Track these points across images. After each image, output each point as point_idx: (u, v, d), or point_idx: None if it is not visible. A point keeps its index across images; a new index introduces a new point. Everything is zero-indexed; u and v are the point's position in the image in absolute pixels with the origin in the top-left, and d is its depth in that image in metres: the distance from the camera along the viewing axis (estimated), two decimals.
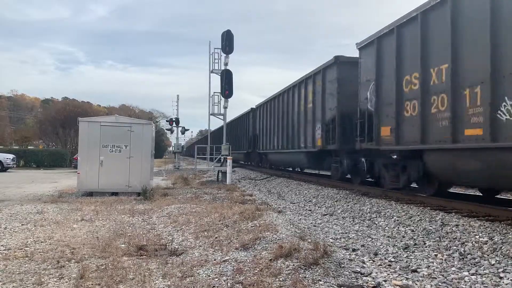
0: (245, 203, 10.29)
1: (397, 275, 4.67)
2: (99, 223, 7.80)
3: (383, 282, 4.40)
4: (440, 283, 4.43)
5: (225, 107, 18.57)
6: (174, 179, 19.08)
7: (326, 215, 9.00)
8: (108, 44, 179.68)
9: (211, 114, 19.20)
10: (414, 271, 4.84)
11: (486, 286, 4.37)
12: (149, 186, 12.54)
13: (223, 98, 18.40)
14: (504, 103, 6.20)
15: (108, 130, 12.60)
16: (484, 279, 4.57)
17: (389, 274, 4.69)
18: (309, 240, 5.60)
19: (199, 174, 23.49)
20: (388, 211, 8.22)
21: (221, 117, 19.18)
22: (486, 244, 5.58)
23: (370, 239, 6.55)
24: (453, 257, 5.34)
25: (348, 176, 12.65)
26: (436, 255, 5.45)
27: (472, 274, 4.71)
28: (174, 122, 35.29)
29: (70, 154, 36.46)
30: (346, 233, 6.98)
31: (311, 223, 7.91)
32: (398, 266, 4.99)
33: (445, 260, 5.26)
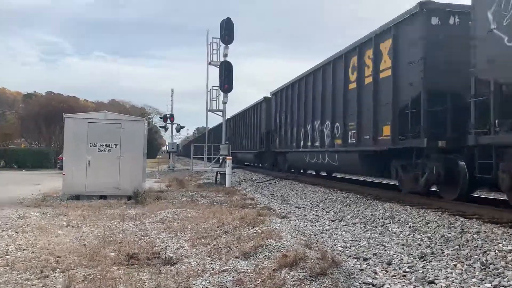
0: (246, 207, 10.33)
1: (412, 287, 4.67)
2: (87, 229, 7.84)
3: None
4: None
5: (225, 103, 18.63)
6: (169, 181, 19.16)
7: (334, 220, 9.04)
8: (96, 34, 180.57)
9: (209, 110, 19.26)
10: (431, 282, 4.84)
11: None
12: (141, 188, 12.68)
13: (222, 93, 18.48)
14: None
15: (96, 128, 12.70)
16: None
17: (403, 286, 4.69)
18: (316, 248, 5.63)
19: (195, 176, 23.62)
20: (402, 217, 8.26)
21: (220, 113, 19.27)
22: (510, 253, 5.58)
23: (383, 247, 6.57)
24: (474, 267, 5.34)
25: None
26: (455, 265, 5.46)
27: (495, 286, 4.70)
28: (168, 119, 35.42)
29: (55, 153, 36.54)
30: (356, 240, 7.01)
31: (318, 229, 7.96)
32: (413, 277, 4.99)
33: (465, 270, 5.27)
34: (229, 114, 35.43)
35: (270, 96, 21.25)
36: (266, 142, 22.39)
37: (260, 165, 26.24)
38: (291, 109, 17.57)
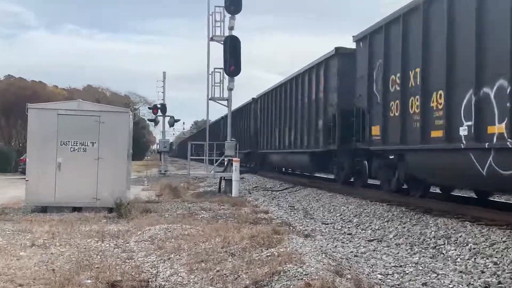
0: (259, 223, 10.52)
1: None
2: (56, 250, 7.92)
3: None
4: None
5: (230, 89, 18.65)
6: (160, 189, 19.39)
7: (372, 240, 9.07)
8: (68, 3, 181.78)
9: (211, 99, 19.23)
10: None
11: None
12: (125, 198, 12.78)
13: (227, 77, 18.57)
14: None
15: (69, 121, 12.87)
16: None
17: None
18: (349, 276, 5.66)
19: (194, 183, 23.88)
20: (460, 236, 8.32)
21: (225, 102, 19.28)
22: None
23: (435, 275, 6.60)
24: None
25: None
26: None
27: None
28: (159, 110, 35.70)
29: (16, 154, 36.95)
30: (401, 266, 7.06)
31: (351, 252, 8.04)
32: None
33: None
34: (237, 103, 35.78)
35: (257, 98, 28.47)
36: (254, 143, 27.82)
37: (247, 165, 32.35)
38: (270, 115, 25.18)
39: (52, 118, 12.78)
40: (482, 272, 6.60)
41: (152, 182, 24.85)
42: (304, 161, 19.83)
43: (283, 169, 27.43)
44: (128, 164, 13.75)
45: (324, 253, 6.91)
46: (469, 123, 9.45)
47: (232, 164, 17.43)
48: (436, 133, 10.50)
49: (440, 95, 10.37)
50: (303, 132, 19.68)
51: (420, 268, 6.94)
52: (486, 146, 8.89)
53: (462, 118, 9.67)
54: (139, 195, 16.97)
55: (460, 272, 6.71)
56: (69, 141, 12.84)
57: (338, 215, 12.23)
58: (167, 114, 35.60)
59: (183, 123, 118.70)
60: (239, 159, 17.59)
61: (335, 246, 8.43)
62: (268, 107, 26.33)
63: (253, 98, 30.26)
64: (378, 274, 6.56)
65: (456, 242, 8.05)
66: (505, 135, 8.43)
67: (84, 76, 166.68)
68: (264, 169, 28.38)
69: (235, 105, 39.36)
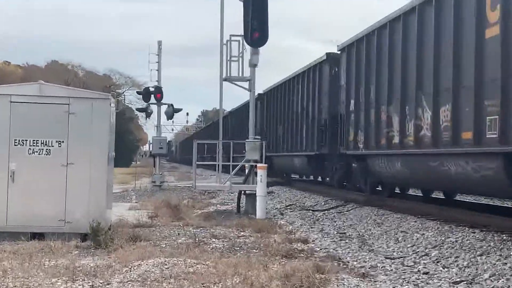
0: (294, 257, 10.52)
1: None
2: None
3: None
4: None
5: (254, 65, 18.66)
6: (154, 208, 19.41)
7: (459, 283, 9.01)
8: None
9: (226, 80, 19.22)
10: None
11: None
12: (104, 221, 12.82)
13: (249, 47, 18.57)
14: None
15: (26, 112, 12.99)
16: None
17: None
18: None
19: (202, 199, 23.92)
20: None
21: (246, 84, 19.19)
22: None
23: None
24: None
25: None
26: None
27: None
28: (152, 96, 35.19)
29: None
30: None
31: None
32: None
33: None
34: (262, 85, 37.84)
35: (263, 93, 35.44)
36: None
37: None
38: (275, 112, 32.99)
39: (3, 107, 12.89)
40: None
41: (142, 198, 24.84)
42: (302, 164, 28.52)
43: (284, 174, 34.75)
44: (109, 173, 13.77)
45: None
46: (398, 133, 17.34)
47: (256, 172, 17.53)
48: (383, 141, 18.43)
49: (383, 109, 18.58)
50: (302, 135, 28.27)
51: None
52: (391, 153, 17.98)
53: (396, 130, 17.44)
54: (124, 216, 17.01)
55: None
56: (26, 140, 12.90)
57: (409, 245, 12.23)
58: (163, 101, 35.21)
59: (187, 114, 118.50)
60: (266, 165, 17.62)
61: None
62: (278, 103, 33.16)
63: (259, 94, 33.86)
64: None
65: None
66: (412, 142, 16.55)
67: (47, 49, 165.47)
68: (272, 174, 30.68)
69: (264, 86, 39.92)
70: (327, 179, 27.87)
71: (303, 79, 28.78)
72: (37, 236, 12.58)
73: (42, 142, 12.96)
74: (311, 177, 33.70)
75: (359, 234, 14.18)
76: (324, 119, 25.07)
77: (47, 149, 12.97)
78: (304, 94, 28.43)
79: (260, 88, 37.21)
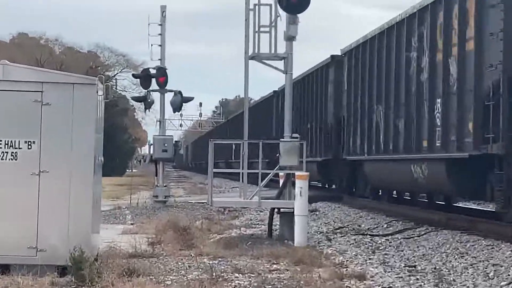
0: None
1: None
2: None
3: None
4: None
5: (291, 38, 17.36)
6: (156, 231, 18.32)
7: None
8: None
9: (253, 58, 18.03)
10: None
11: None
12: (90, 249, 12.02)
13: (283, 15, 17.28)
14: None
15: None
16: None
17: None
18: None
19: (220, 219, 22.93)
20: None
21: (280, 64, 17.71)
22: None
23: None
24: None
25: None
26: None
27: None
28: (153, 80, 31.81)
29: None
30: None
31: None
32: None
33: None
34: (299, 68, 37.11)
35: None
36: (334, 145, 29.68)
37: (324, 183, 34.86)
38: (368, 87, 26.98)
39: None
40: None
41: (141, 218, 23.72)
42: (312, 170, 27.35)
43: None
44: (96, 184, 12.95)
45: None
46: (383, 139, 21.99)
47: (294, 183, 16.38)
48: (373, 146, 22.94)
49: (374, 115, 23.11)
50: (312, 139, 30.77)
51: None
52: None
53: (381, 136, 21.95)
54: (116, 242, 15.93)
55: None
56: None
57: (503, 283, 11.14)
58: (168, 87, 31.77)
59: (200, 104, 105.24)
60: (307, 173, 16.43)
61: None
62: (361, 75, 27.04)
63: (332, 56, 29.42)
64: None
65: None
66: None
67: (14, 18, 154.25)
68: (358, 191, 27.75)
69: (301, 70, 37.67)
70: (334, 186, 30.57)
71: (312, 80, 32.27)
72: (1, 268, 11.80)
73: (6, 143, 11.94)
74: (322, 184, 35.17)
75: (435, 268, 13.03)
76: (330, 123, 28.36)
77: (12, 153, 11.97)
78: (310, 96, 32.24)
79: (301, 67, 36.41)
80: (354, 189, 26.71)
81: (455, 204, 21.62)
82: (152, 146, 32.66)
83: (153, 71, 31.05)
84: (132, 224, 21.87)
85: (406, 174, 19.20)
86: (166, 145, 31.09)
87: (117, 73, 64.20)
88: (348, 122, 25.81)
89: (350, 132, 25.50)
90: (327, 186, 33.51)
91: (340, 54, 27.58)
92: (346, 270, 12.75)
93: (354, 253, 15.12)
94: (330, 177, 30.45)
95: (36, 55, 52.79)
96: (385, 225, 19.77)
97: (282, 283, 11.30)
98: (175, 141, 33.88)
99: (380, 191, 24.62)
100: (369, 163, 23.45)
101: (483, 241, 14.79)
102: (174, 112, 35.24)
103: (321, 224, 21.18)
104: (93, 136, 12.29)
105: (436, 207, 20.90)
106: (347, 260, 14.07)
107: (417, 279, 12.00)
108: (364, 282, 11.57)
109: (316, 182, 35.60)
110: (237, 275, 12.00)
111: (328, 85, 28.75)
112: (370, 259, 14.42)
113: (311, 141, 30.45)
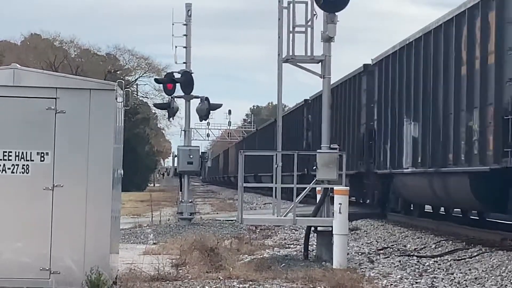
0: None
1: None
2: None
3: None
4: None
5: (328, 39, 16.87)
6: (180, 251, 17.85)
7: None
8: None
9: (287, 61, 17.47)
10: None
11: None
12: (108, 270, 11.73)
13: (320, 13, 16.84)
14: None
15: None
16: None
17: None
18: None
19: (252, 238, 22.53)
20: None
21: (317, 67, 17.26)
22: None
23: None
24: None
25: None
26: None
27: None
28: (178, 86, 30.88)
29: None
30: None
31: None
32: None
33: None
34: (338, 72, 41.08)
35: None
36: (366, 155, 29.56)
37: (359, 199, 34.01)
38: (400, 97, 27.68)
39: None
40: None
41: (164, 237, 23.14)
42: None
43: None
44: (115, 200, 12.51)
45: None
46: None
47: (333, 199, 15.85)
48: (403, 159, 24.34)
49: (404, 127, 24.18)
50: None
51: None
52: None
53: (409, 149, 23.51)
54: (137, 263, 15.44)
55: None
56: None
57: None
58: (194, 93, 30.63)
59: (229, 112, 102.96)
60: (347, 188, 16.03)
61: None
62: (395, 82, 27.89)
63: (364, 66, 30.17)
64: None
65: None
66: None
67: (26, 19, 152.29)
68: (389, 206, 28.48)
69: (339, 74, 38.55)
70: (368, 201, 30.88)
71: (345, 87, 33.01)
72: None
73: (17, 154, 11.60)
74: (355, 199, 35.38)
75: None
76: (362, 134, 29.02)
77: (23, 165, 11.63)
78: (342, 106, 33.11)
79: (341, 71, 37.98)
80: (386, 204, 27.32)
81: (488, 219, 22.29)
82: (176, 158, 31.70)
83: (177, 76, 30.17)
84: (154, 243, 21.42)
85: (433, 188, 20.34)
86: (191, 156, 30.08)
87: (138, 78, 63.92)
88: (379, 133, 26.71)
89: (380, 144, 26.41)
90: (361, 201, 33.74)
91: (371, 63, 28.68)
92: None
93: (399, 276, 14.69)
94: (363, 191, 30.95)
95: (49, 58, 52.36)
96: (433, 246, 19.33)
97: None
98: (202, 152, 32.95)
99: (412, 205, 25.56)
100: (400, 176, 24.22)
101: None
102: (201, 120, 34.04)
103: (362, 244, 20.82)
104: (112, 147, 11.99)
105: (469, 223, 21.78)
106: (391, 284, 13.70)
107: None
108: None
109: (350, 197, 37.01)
110: None
111: (361, 94, 29.35)
112: (417, 282, 13.99)
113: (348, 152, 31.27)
